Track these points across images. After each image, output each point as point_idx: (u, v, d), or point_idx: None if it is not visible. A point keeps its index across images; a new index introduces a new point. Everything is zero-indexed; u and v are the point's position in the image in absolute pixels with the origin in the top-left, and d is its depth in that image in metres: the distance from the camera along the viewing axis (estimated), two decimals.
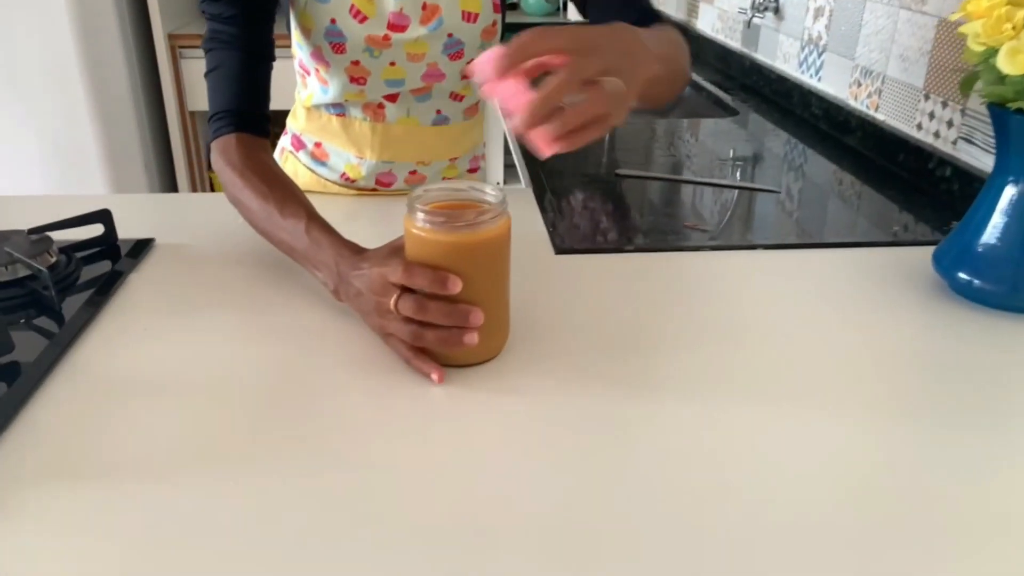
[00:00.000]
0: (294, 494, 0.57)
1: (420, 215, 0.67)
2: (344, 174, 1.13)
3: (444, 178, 1.18)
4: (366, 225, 1.03)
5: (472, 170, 1.22)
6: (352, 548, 0.52)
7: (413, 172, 1.13)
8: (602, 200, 1.16)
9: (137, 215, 1.06)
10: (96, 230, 0.93)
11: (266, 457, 0.60)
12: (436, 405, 0.67)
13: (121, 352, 0.74)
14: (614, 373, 0.71)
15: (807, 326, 0.80)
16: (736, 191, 1.18)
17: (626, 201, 1.17)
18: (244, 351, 0.74)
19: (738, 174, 1.26)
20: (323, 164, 1.14)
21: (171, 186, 2.81)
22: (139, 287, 0.86)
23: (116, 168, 2.52)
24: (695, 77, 1.92)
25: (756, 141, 1.44)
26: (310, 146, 1.14)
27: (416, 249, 0.68)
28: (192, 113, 2.71)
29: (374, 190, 1.14)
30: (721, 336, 0.78)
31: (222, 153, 0.88)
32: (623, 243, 1.00)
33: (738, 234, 1.04)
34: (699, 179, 1.23)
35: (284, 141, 1.21)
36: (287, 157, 1.19)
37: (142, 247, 0.94)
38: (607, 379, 0.70)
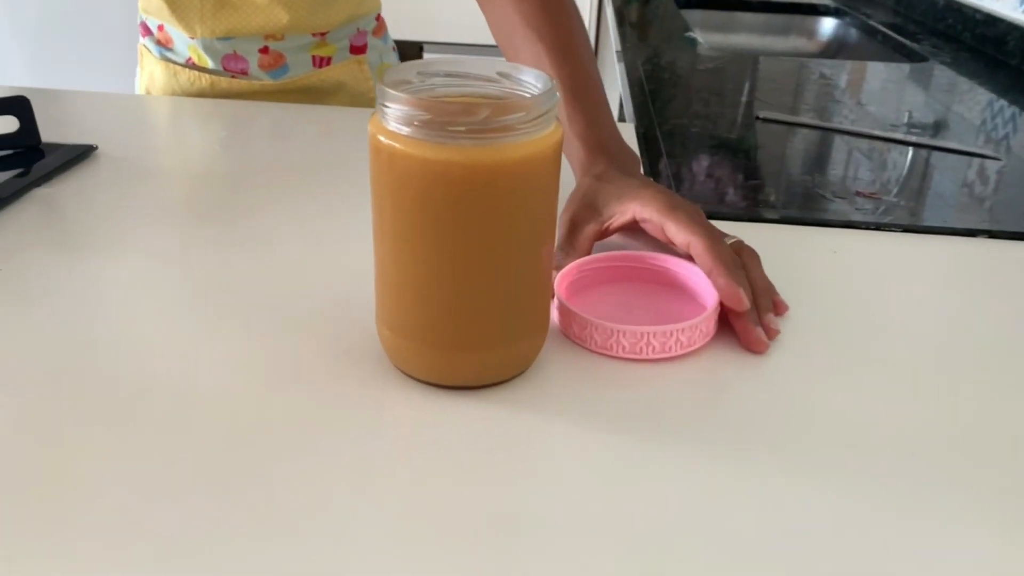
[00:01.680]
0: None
1: (394, 112, 0.36)
2: (189, 58, 0.87)
3: (314, 56, 0.86)
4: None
5: (357, 49, 0.89)
6: None
7: (264, 50, 0.84)
8: (732, 151, 0.82)
9: (93, 115, 0.80)
10: (10, 125, 0.67)
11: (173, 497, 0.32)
12: (436, 439, 0.37)
13: None
14: (722, 399, 0.39)
15: None
16: (928, 152, 0.82)
17: (766, 154, 0.83)
18: (144, 321, 0.46)
19: (931, 133, 0.89)
20: (171, 51, 0.89)
21: None
22: (42, 208, 0.60)
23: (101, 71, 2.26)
24: (867, 21, 1.52)
25: (948, 96, 1.06)
26: (155, 31, 0.89)
27: (388, 175, 0.38)
28: None
29: (233, 78, 0.86)
30: (896, 360, 0.44)
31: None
32: (760, 210, 0.67)
33: (937, 212, 0.69)
34: (879, 133, 0.86)
35: (139, 36, 0.94)
36: (142, 54, 0.92)
37: (74, 155, 0.67)
38: (713, 407, 0.38)
